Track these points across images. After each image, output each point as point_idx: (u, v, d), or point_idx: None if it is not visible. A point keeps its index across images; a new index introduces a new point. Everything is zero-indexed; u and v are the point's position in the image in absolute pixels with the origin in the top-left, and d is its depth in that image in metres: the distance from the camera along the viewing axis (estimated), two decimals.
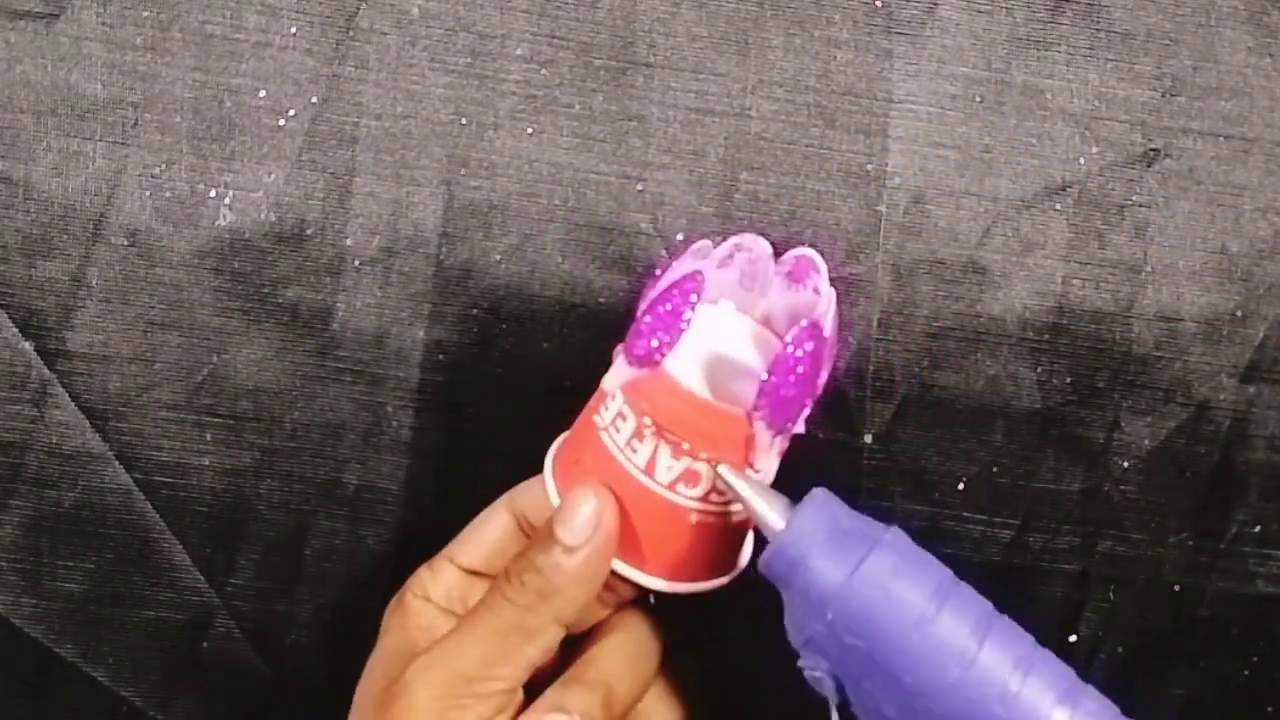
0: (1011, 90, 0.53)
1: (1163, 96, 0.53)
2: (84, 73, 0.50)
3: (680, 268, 0.44)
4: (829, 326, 0.42)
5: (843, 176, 0.53)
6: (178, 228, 0.51)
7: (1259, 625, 0.55)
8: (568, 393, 0.48)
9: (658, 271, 0.44)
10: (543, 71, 0.52)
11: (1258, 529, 0.55)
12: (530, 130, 0.52)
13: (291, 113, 0.51)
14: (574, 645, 0.45)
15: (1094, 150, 0.53)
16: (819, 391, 0.42)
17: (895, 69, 0.53)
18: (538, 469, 0.47)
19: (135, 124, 0.51)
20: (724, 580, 0.46)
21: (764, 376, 0.41)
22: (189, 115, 0.51)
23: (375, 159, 0.51)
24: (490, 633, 0.42)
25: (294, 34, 0.51)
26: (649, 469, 0.42)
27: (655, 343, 0.42)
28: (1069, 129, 0.53)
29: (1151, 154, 0.53)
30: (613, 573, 0.44)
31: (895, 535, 0.42)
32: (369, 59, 0.51)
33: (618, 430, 0.43)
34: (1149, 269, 0.53)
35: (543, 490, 0.45)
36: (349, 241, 0.52)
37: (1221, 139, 0.53)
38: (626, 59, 0.52)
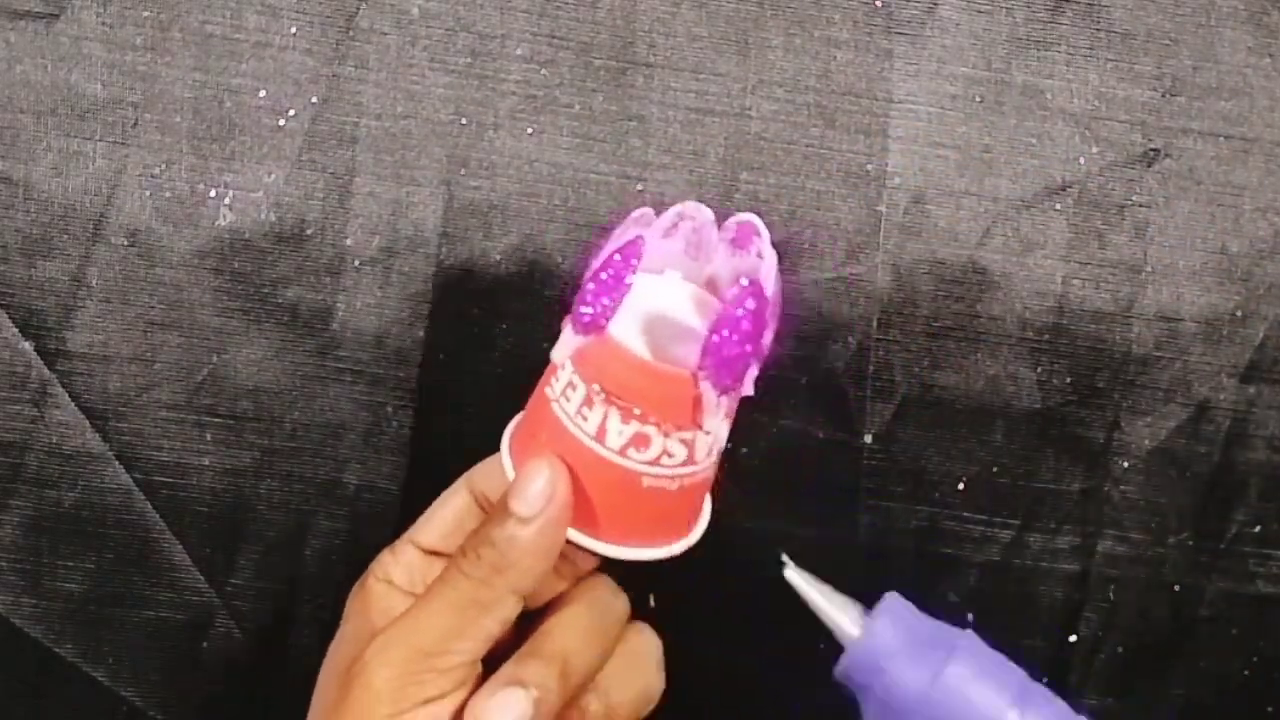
0: (1011, 90, 0.53)
1: (1163, 96, 0.53)
2: (84, 73, 0.50)
3: (622, 235, 0.44)
4: (770, 286, 0.42)
5: (843, 176, 0.53)
6: (178, 228, 0.51)
7: (1259, 625, 0.55)
8: None
9: (600, 241, 0.44)
10: (543, 71, 0.52)
11: (1258, 529, 0.55)
12: (530, 130, 0.52)
13: (291, 113, 0.51)
14: (534, 620, 0.45)
15: (1094, 150, 0.53)
16: (764, 352, 0.42)
17: (895, 69, 0.53)
18: None
19: (135, 124, 0.51)
20: (682, 545, 0.46)
21: (707, 336, 0.41)
22: (189, 115, 0.51)
23: (375, 159, 0.51)
24: (447, 607, 0.42)
25: (294, 34, 0.51)
26: (599, 436, 0.42)
27: (599, 308, 0.42)
28: (1069, 129, 0.53)
29: (1151, 154, 0.53)
30: (570, 543, 0.43)
31: (970, 639, 0.44)
32: (369, 59, 0.51)
33: (568, 400, 0.43)
34: (1149, 269, 0.53)
35: (500, 468, 0.45)
36: (349, 241, 0.52)
37: (1221, 139, 0.53)
38: (626, 59, 0.52)
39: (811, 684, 0.54)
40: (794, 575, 0.44)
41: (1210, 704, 0.55)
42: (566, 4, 0.52)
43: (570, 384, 0.43)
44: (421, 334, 0.52)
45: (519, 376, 0.52)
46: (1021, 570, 0.54)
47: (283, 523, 0.53)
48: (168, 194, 0.51)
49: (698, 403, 0.42)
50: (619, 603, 0.46)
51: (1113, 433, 0.54)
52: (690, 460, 0.43)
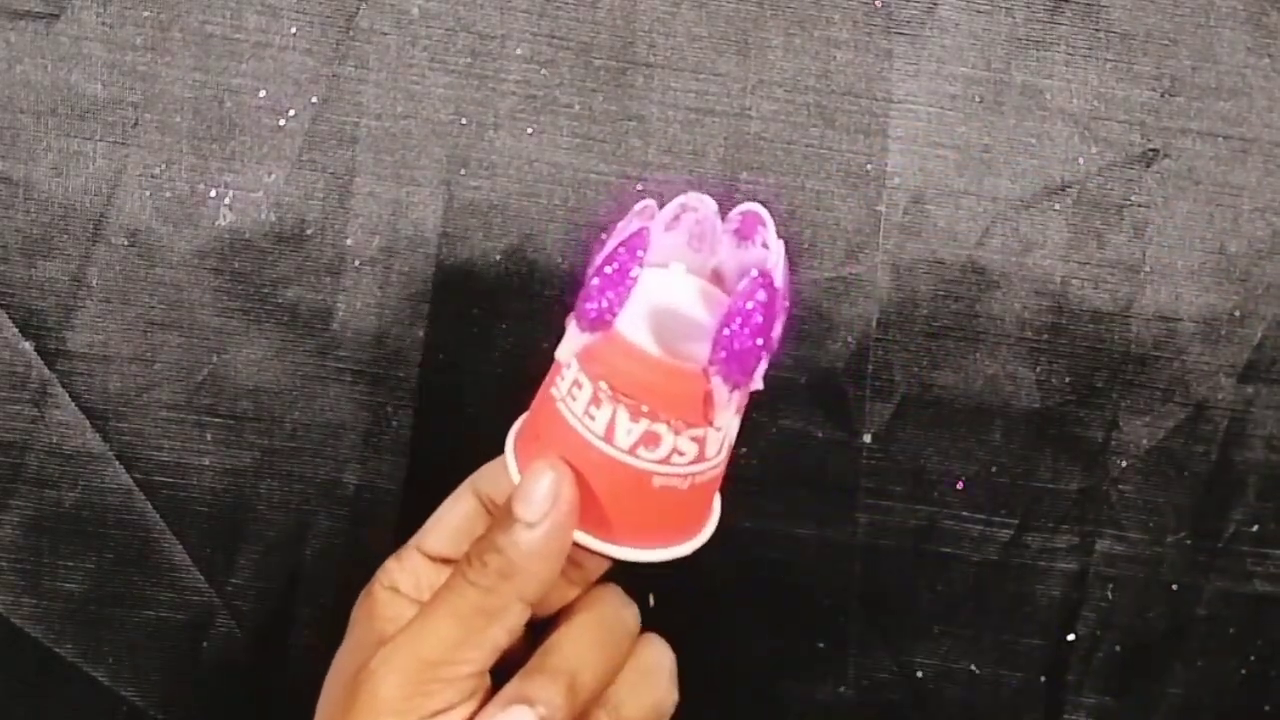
0: (1011, 90, 0.53)
1: (1162, 97, 0.53)
2: (84, 73, 0.50)
3: (625, 228, 0.42)
4: (779, 277, 0.41)
5: (843, 176, 0.53)
6: (178, 228, 0.51)
7: (1256, 624, 0.55)
8: None
9: (603, 235, 0.43)
10: (543, 71, 0.52)
11: (1255, 528, 0.55)
12: (530, 130, 0.52)
13: (291, 113, 0.51)
14: (543, 629, 0.44)
15: (1093, 150, 0.53)
16: (774, 345, 0.41)
17: (895, 69, 0.53)
18: None
19: (135, 124, 0.51)
20: (694, 544, 0.45)
21: (718, 330, 0.40)
22: (189, 115, 0.51)
23: (375, 159, 0.51)
24: (453, 616, 0.41)
25: (294, 34, 0.51)
26: (608, 435, 0.41)
27: (604, 304, 0.41)
28: (1068, 129, 0.53)
29: (1150, 154, 0.53)
30: (579, 547, 0.42)
31: None
32: (369, 59, 0.51)
33: (574, 399, 0.42)
34: (1148, 269, 0.53)
35: (505, 471, 0.44)
36: (349, 241, 0.51)
37: (1220, 139, 0.53)
38: (626, 59, 0.52)
39: (811, 684, 0.55)
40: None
41: (1208, 703, 0.55)
42: (566, 4, 0.52)
43: (576, 382, 0.42)
44: (421, 334, 0.52)
45: (519, 376, 0.52)
46: (1020, 569, 0.54)
47: (283, 523, 0.53)
48: (168, 194, 0.51)
49: (709, 399, 0.41)
50: (629, 614, 0.45)
51: (1111, 432, 0.54)
52: (701, 457, 0.42)
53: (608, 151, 0.52)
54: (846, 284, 0.53)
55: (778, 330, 0.42)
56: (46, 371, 0.51)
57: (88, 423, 0.51)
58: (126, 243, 0.51)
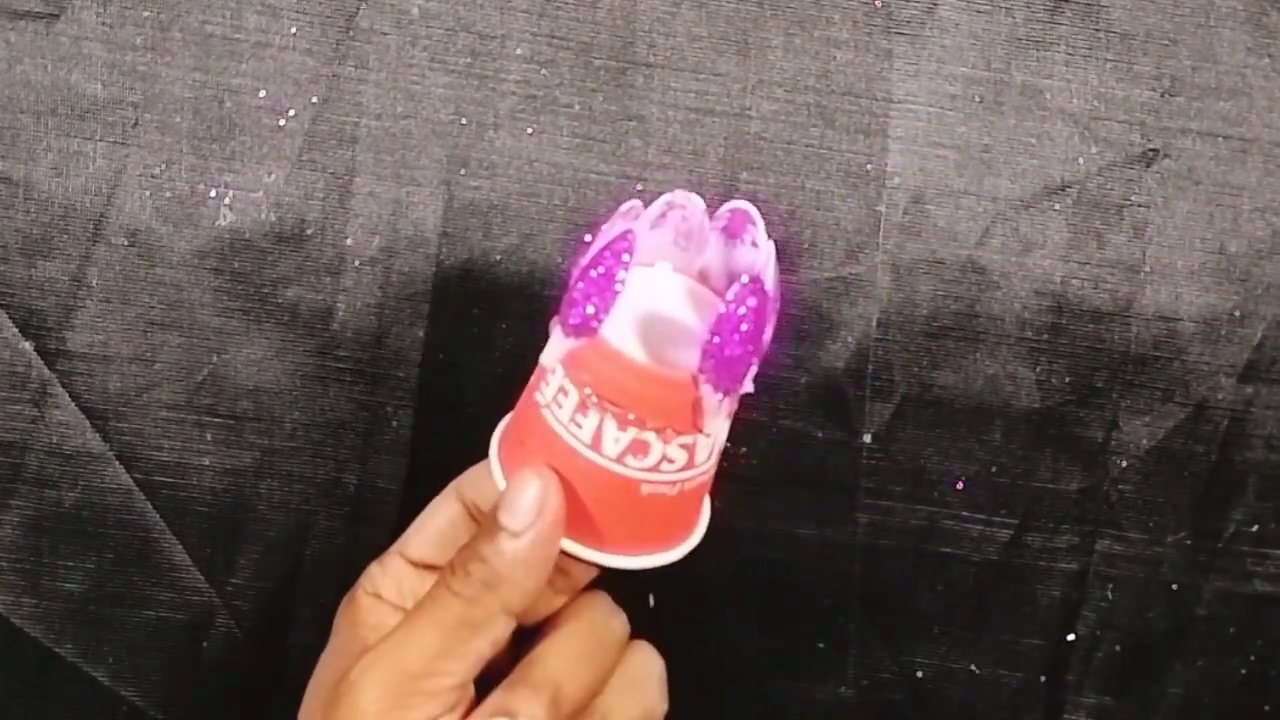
0: (1011, 90, 0.53)
1: (1162, 97, 0.53)
2: (84, 73, 0.50)
3: (610, 230, 0.41)
4: (770, 280, 0.40)
5: (843, 176, 0.53)
6: (178, 228, 0.51)
7: (1256, 624, 0.55)
8: None
9: (588, 237, 0.42)
10: (543, 71, 0.52)
11: (1255, 528, 0.55)
12: (530, 130, 0.52)
13: (291, 113, 0.51)
14: (529, 637, 0.43)
15: (1093, 150, 0.53)
16: (764, 348, 0.41)
17: (895, 69, 0.53)
18: None
19: (135, 124, 0.51)
20: (682, 550, 0.44)
21: (707, 337, 0.39)
22: (189, 115, 0.51)
23: (375, 159, 0.51)
24: (435, 627, 0.40)
25: (294, 34, 0.51)
26: (595, 443, 0.40)
27: (590, 310, 0.39)
28: (1068, 129, 0.53)
29: (1150, 154, 0.53)
30: (567, 555, 0.42)
31: None
32: (369, 59, 0.51)
33: (560, 406, 0.41)
34: (1147, 269, 0.53)
35: (490, 476, 0.43)
36: (349, 241, 0.51)
37: (1220, 139, 0.53)
38: (626, 59, 0.52)
39: (811, 684, 0.55)
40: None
41: (1208, 703, 0.55)
42: (566, 4, 0.52)
43: (562, 389, 0.41)
44: (421, 334, 0.52)
45: (519, 376, 0.51)
46: (1020, 569, 0.54)
47: (283, 523, 0.53)
48: (168, 194, 0.51)
49: (698, 405, 0.40)
50: (617, 622, 0.44)
51: (1111, 432, 0.54)
52: (690, 464, 0.41)
53: (608, 151, 0.52)
54: (846, 284, 0.53)
55: (768, 334, 0.41)
56: (46, 371, 0.51)
57: (88, 423, 0.51)
58: (126, 243, 0.51)
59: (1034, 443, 0.54)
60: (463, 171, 0.52)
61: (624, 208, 0.43)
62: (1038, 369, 0.53)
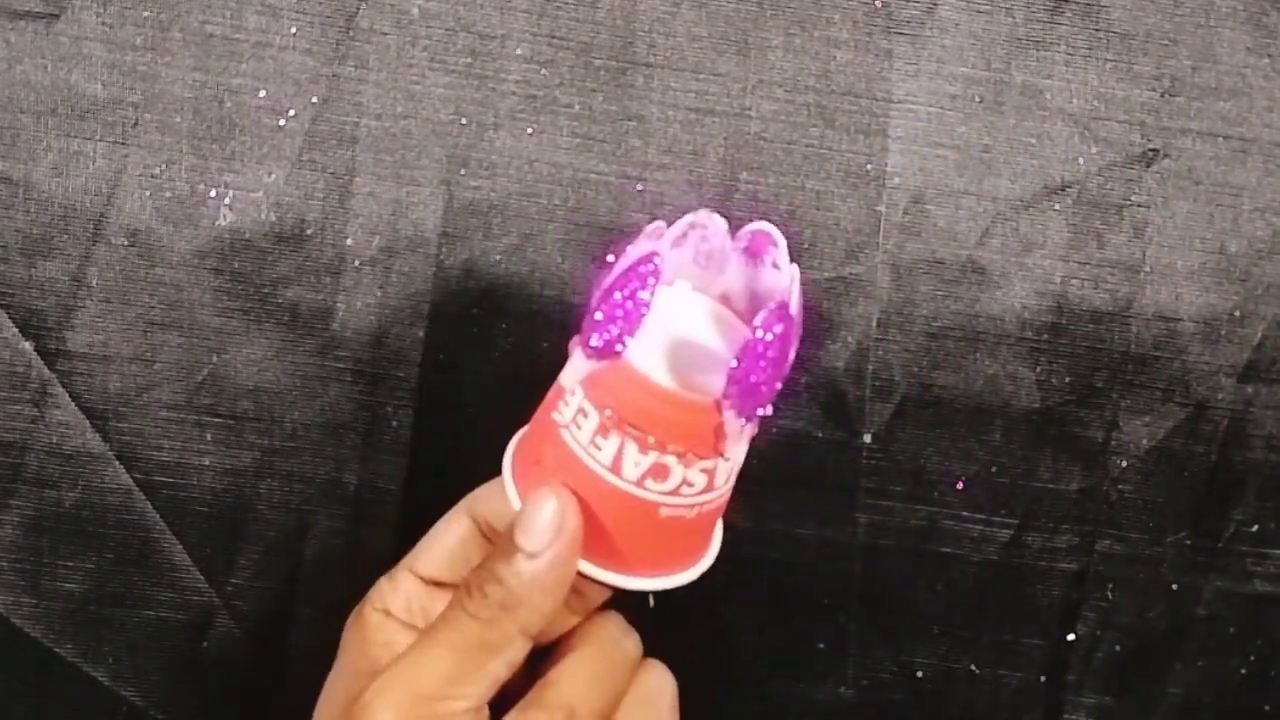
0: (1011, 90, 0.53)
1: (1162, 97, 0.53)
2: (84, 73, 0.50)
3: (635, 251, 0.40)
4: (795, 305, 0.40)
5: (843, 176, 0.53)
6: (178, 228, 0.51)
7: (1256, 624, 0.55)
8: None
9: (610, 257, 0.42)
10: (543, 71, 0.52)
11: (1255, 528, 0.55)
12: (530, 130, 0.52)
13: (291, 113, 0.51)
14: (542, 656, 0.43)
15: (1093, 150, 0.53)
16: (787, 373, 0.41)
17: (895, 69, 0.53)
18: None
19: (135, 124, 0.51)
20: (697, 571, 0.44)
21: (732, 363, 0.39)
22: (189, 115, 0.51)
23: (375, 159, 0.51)
24: (451, 649, 0.40)
25: (294, 34, 0.51)
26: (615, 466, 0.40)
27: (614, 333, 0.39)
28: (1068, 129, 0.53)
29: (1150, 154, 0.53)
30: (582, 576, 0.41)
31: None
32: (369, 59, 0.51)
33: (579, 427, 0.40)
34: (1147, 269, 0.53)
35: (503, 493, 0.43)
36: (349, 241, 0.51)
37: (1220, 139, 0.53)
38: (626, 59, 0.52)
39: (811, 684, 0.55)
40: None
41: (1208, 703, 0.55)
42: (566, 4, 0.52)
43: (581, 410, 0.40)
44: (421, 334, 0.52)
45: (519, 376, 0.52)
46: (1020, 569, 0.54)
47: (283, 523, 0.53)
48: (168, 194, 0.51)
49: (720, 430, 0.40)
50: (630, 643, 0.43)
51: (1111, 432, 0.54)
52: (710, 488, 0.41)
53: (608, 151, 0.52)
54: (846, 284, 0.53)
55: (791, 358, 0.40)
56: (46, 371, 0.51)
57: (88, 423, 0.51)
58: (126, 243, 0.51)
59: (1034, 443, 0.54)
60: (463, 171, 0.52)
61: (649, 228, 0.42)
62: (1038, 369, 0.53)
